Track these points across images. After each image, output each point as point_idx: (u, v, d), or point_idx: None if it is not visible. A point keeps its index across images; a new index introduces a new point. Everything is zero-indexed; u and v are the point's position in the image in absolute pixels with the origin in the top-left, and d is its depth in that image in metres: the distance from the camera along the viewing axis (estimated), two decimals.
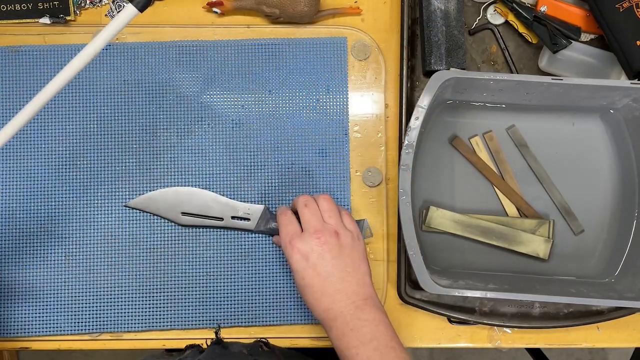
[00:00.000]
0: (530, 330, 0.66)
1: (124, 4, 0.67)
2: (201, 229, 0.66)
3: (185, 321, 0.65)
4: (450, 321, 0.65)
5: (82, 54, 0.52)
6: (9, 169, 0.66)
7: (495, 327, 0.66)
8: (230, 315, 0.65)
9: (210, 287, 0.66)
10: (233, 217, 0.63)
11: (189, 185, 0.66)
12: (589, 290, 0.62)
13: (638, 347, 0.69)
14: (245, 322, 0.65)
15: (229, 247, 0.66)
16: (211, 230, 0.66)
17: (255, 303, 0.66)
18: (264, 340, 0.62)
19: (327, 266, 0.53)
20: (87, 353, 1.47)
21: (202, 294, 0.66)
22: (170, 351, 0.65)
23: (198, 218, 0.63)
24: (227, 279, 0.66)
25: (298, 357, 0.66)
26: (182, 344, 0.66)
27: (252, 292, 0.66)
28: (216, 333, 0.63)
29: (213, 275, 0.66)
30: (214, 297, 0.66)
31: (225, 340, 0.63)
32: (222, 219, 0.63)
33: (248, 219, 0.62)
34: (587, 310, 0.65)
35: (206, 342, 0.63)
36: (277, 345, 0.64)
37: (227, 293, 0.66)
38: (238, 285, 0.66)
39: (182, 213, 0.63)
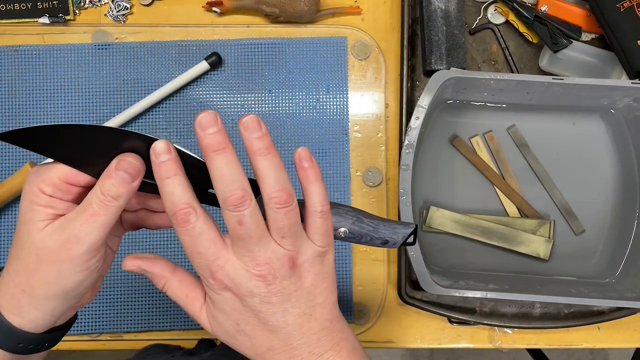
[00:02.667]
0: (530, 330, 0.66)
1: (124, 3, 0.67)
2: None
3: (185, 321, 0.65)
4: (450, 322, 0.65)
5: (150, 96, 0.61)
6: (9, 169, 0.66)
7: (496, 328, 0.66)
8: None
9: None
10: (211, 190, 0.36)
11: None
12: (590, 291, 0.61)
13: (639, 347, 0.69)
14: None
15: None
16: None
17: None
18: None
19: (277, 314, 0.35)
20: (87, 353, 1.47)
21: None
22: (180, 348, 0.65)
23: (150, 182, 0.35)
24: None
25: None
26: (182, 344, 0.66)
27: None
28: None
29: None
30: None
31: None
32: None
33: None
34: (587, 311, 0.65)
35: None
36: None
37: None
38: None
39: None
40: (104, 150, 0.34)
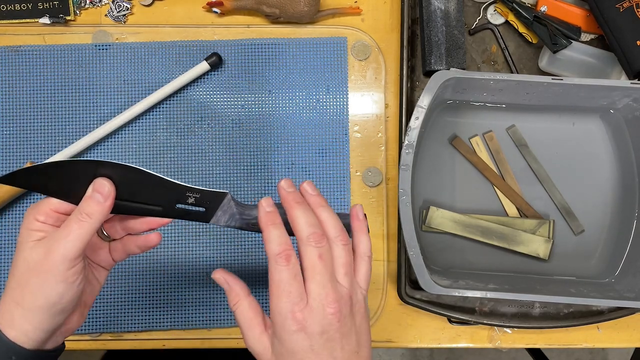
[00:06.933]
0: (530, 330, 0.66)
1: (124, 3, 0.67)
2: (199, 229, 0.66)
3: (185, 321, 0.65)
4: (450, 321, 0.65)
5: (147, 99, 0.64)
6: (10, 169, 0.66)
7: (496, 327, 0.66)
8: (231, 316, 0.65)
9: (210, 287, 0.65)
10: (179, 205, 0.44)
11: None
12: (589, 290, 0.61)
13: (638, 347, 0.69)
14: None
15: (229, 248, 0.66)
16: (211, 229, 0.66)
17: None
18: None
19: (336, 350, 0.40)
20: (87, 353, 1.47)
21: (203, 294, 0.65)
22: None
23: (122, 203, 0.43)
24: None
25: None
26: (182, 344, 0.66)
27: (252, 293, 0.65)
28: None
29: None
30: (214, 297, 0.65)
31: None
32: (159, 206, 0.44)
33: (202, 209, 0.45)
34: (587, 310, 0.65)
35: None
36: None
37: None
38: None
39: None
40: (85, 181, 0.41)
